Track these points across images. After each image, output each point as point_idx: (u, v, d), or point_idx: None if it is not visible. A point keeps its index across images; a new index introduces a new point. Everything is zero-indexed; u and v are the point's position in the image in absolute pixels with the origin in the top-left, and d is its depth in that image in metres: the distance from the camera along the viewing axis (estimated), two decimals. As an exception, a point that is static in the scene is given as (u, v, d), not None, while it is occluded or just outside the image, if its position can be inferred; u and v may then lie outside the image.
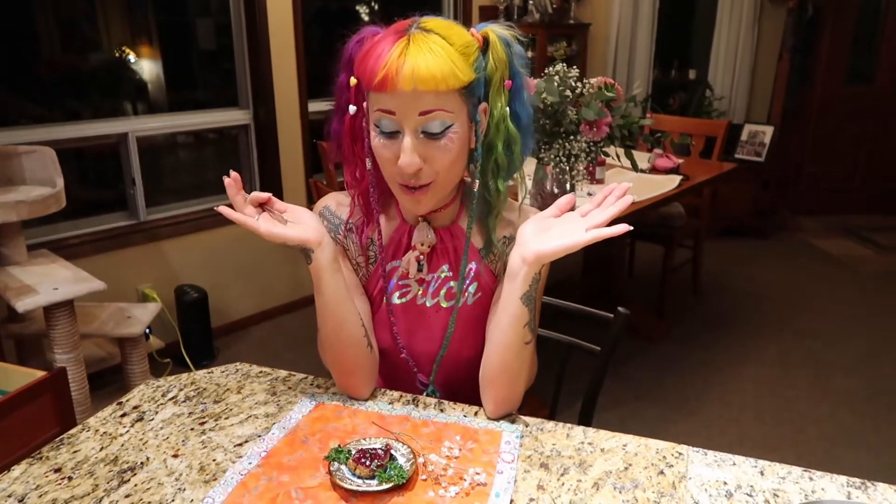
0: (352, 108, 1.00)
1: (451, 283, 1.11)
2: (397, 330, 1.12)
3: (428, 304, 1.12)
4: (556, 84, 2.05)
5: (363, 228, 1.11)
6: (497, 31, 0.98)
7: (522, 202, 1.13)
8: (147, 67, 3.16)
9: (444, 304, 1.11)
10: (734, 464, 0.92)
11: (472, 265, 1.10)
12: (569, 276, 3.55)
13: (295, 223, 0.97)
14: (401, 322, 1.12)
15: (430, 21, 0.94)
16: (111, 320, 2.37)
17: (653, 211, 2.76)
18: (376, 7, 4.03)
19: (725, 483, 0.88)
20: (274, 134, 3.26)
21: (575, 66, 2.14)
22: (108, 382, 2.61)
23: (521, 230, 0.97)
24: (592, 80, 2.11)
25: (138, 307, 2.49)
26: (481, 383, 1.04)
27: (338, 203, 1.14)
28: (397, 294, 1.12)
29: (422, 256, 1.09)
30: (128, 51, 3.08)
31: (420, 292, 1.12)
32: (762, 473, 0.90)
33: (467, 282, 1.10)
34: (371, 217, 1.09)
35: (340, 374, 1.06)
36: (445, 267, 1.10)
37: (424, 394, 1.14)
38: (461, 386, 1.17)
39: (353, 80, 0.97)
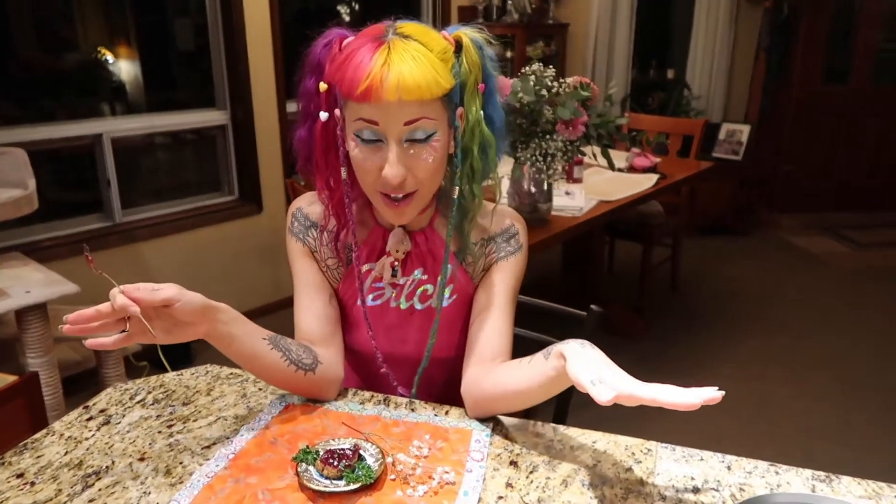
0: (323, 115, 0.97)
1: (425, 287, 1.11)
2: (373, 335, 1.11)
3: (402, 307, 1.11)
4: (531, 83, 2.06)
5: (338, 235, 1.10)
6: (469, 34, 0.97)
7: (497, 203, 1.13)
8: (124, 68, 3.13)
9: (418, 307, 1.11)
10: (702, 459, 0.93)
11: (449, 267, 1.10)
12: (548, 273, 3.56)
13: (173, 327, 0.89)
14: (375, 325, 1.12)
15: (406, 26, 0.92)
16: (86, 323, 2.34)
17: (631, 209, 2.78)
18: (356, 7, 4.02)
19: (693, 478, 0.88)
20: (252, 134, 3.25)
21: (551, 66, 2.15)
22: (83, 387, 2.58)
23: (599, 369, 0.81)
24: (568, 80, 2.12)
25: (114, 310, 2.46)
26: (479, 393, 1.01)
27: (311, 205, 1.13)
28: (371, 297, 1.11)
29: (396, 262, 1.09)
30: (105, 51, 3.05)
31: (393, 295, 1.11)
32: (729, 468, 0.91)
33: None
34: (346, 225, 1.08)
35: (291, 392, 1.07)
36: (419, 271, 1.10)
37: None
38: (437, 388, 1.18)
39: (322, 86, 0.96)
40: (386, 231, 1.09)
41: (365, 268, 1.10)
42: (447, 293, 1.10)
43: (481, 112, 0.99)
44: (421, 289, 1.11)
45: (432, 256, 1.10)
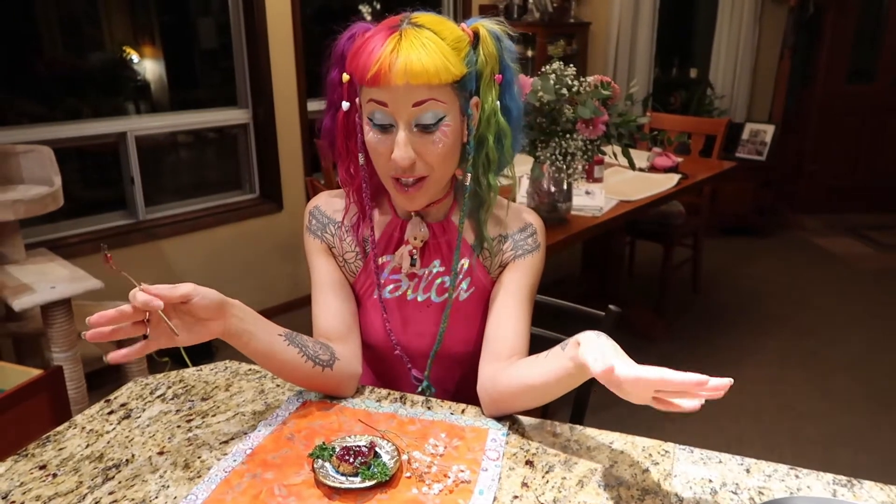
0: (345, 105, 1.00)
1: (443, 279, 1.11)
2: (390, 325, 1.12)
3: (419, 299, 1.12)
4: (552, 82, 2.04)
5: (359, 226, 1.11)
6: (487, 25, 0.99)
7: (512, 199, 1.13)
8: (149, 67, 3.17)
9: (435, 299, 1.11)
10: (720, 461, 0.92)
11: (465, 261, 1.10)
12: (567, 273, 3.54)
13: (193, 325, 0.89)
14: (392, 317, 1.12)
15: (422, 16, 0.95)
16: (109, 319, 2.37)
17: (652, 209, 2.76)
18: (378, 5, 4.02)
19: (710, 481, 0.88)
20: (273, 133, 3.27)
21: (572, 65, 2.13)
22: (107, 381, 2.62)
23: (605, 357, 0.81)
24: (589, 79, 2.10)
25: (136, 306, 2.49)
26: (496, 391, 1.01)
27: (328, 203, 1.14)
28: (388, 288, 1.12)
29: (415, 251, 1.09)
30: (129, 50, 3.09)
31: (411, 287, 1.12)
32: (748, 471, 0.90)
33: (460, 277, 1.10)
34: (365, 213, 1.09)
35: (308, 389, 1.08)
36: (437, 262, 1.10)
37: (419, 389, 1.14)
38: (452, 382, 1.18)
39: (345, 77, 0.98)
40: (404, 222, 1.10)
41: (382, 259, 1.11)
42: (465, 286, 1.11)
43: (497, 102, 1.00)
44: (438, 281, 1.11)
45: (450, 248, 1.10)
